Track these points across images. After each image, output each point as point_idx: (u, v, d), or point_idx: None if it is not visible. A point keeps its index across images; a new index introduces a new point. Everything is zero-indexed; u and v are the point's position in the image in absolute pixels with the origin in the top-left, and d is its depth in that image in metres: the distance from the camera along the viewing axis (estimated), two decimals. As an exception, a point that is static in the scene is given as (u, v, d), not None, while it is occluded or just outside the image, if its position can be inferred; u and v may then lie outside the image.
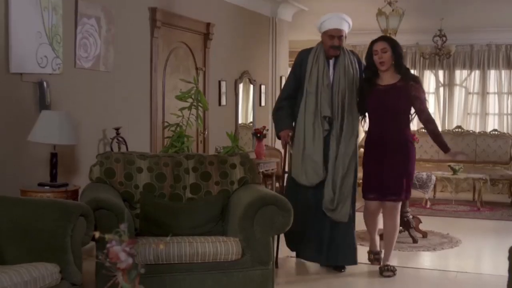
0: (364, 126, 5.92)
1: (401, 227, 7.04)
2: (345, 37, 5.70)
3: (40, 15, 5.24)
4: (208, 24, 8.12)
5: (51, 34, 5.36)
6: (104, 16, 6.10)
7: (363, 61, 5.83)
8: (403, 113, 5.57)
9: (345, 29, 5.69)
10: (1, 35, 4.91)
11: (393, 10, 8.34)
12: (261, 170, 7.95)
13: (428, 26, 11.25)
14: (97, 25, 6.00)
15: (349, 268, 5.77)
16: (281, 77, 10.85)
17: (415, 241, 7.00)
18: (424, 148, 11.49)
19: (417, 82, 5.59)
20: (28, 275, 3.64)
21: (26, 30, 5.10)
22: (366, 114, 5.72)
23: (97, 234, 2.68)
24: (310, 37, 13.06)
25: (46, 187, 4.94)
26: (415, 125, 12.43)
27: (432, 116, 5.71)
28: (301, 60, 5.74)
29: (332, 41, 5.61)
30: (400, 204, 5.73)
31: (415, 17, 10.37)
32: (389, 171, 5.52)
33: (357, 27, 11.70)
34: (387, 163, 5.51)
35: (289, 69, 12.19)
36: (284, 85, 6.09)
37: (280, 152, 9.51)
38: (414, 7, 9.52)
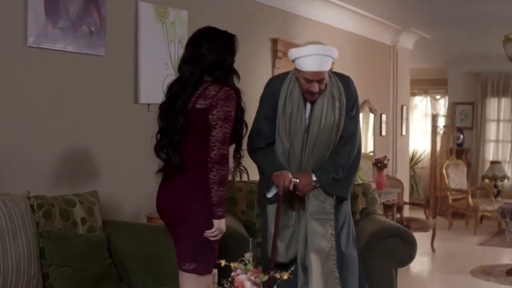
0: None
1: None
2: (331, 70, 4.09)
3: (167, 47, 5.42)
4: (328, 54, 8.11)
5: (177, 66, 5.51)
6: (227, 47, 6.22)
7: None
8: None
9: (328, 66, 4.01)
10: (131, 67, 5.11)
11: (520, 37, 8.05)
12: (382, 201, 7.82)
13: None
14: (221, 56, 6.12)
15: None
16: (402, 106, 10.70)
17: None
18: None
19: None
20: (154, 301, 3.75)
21: (154, 62, 5.28)
22: None
23: (223, 262, 2.72)
24: (432, 64, 12.91)
25: (170, 214, 5.04)
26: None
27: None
28: (271, 93, 4.19)
29: (309, 85, 3.98)
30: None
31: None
32: None
33: (482, 54, 11.43)
34: None
35: (410, 98, 12.10)
36: (253, 131, 4.16)
37: (401, 183, 9.35)
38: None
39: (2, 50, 4.07)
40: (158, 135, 3.65)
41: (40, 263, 3.80)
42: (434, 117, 11.82)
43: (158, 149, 3.63)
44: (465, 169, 11.59)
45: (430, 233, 8.57)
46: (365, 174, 9.13)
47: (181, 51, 5.53)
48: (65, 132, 4.52)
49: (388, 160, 8.78)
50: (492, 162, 11.62)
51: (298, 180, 3.99)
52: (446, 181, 11.08)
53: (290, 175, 3.98)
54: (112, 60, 4.88)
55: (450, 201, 10.99)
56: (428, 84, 13.64)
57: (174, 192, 3.58)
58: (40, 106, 4.34)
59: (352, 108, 4.14)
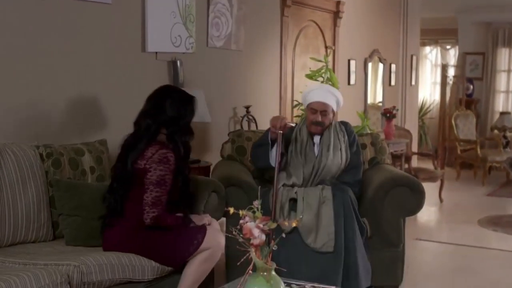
0: None
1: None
2: (333, 114, 4.64)
3: (175, -5, 5.36)
4: (338, 2, 8.03)
5: (185, 14, 5.47)
6: (236, -5, 6.15)
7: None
8: None
9: (331, 103, 4.58)
10: (138, 15, 5.06)
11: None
12: (390, 151, 7.78)
13: None
14: (229, 4, 6.06)
15: None
16: (411, 56, 10.60)
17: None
18: None
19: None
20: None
21: (161, 11, 5.22)
22: None
23: (231, 210, 2.72)
24: (443, 14, 12.73)
25: (179, 164, 5.05)
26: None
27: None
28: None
29: (314, 116, 4.56)
30: None
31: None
32: None
33: (493, 3, 11.27)
34: None
35: (420, 48, 11.97)
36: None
37: (410, 133, 9.31)
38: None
39: (8, -3, 4.03)
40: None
41: (49, 211, 3.83)
42: (444, 67, 11.72)
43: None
44: (474, 120, 11.52)
45: (438, 183, 8.57)
46: (373, 124, 9.10)
47: (188, -1, 5.48)
48: (72, 81, 4.50)
49: (397, 110, 8.73)
50: (502, 113, 11.55)
51: (294, 124, 4.50)
52: (455, 132, 11.03)
53: (286, 119, 4.38)
54: (119, 8, 4.83)
55: (459, 151, 10.96)
56: (438, 34, 13.49)
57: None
58: (47, 55, 4.31)
59: (353, 143, 4.67)
